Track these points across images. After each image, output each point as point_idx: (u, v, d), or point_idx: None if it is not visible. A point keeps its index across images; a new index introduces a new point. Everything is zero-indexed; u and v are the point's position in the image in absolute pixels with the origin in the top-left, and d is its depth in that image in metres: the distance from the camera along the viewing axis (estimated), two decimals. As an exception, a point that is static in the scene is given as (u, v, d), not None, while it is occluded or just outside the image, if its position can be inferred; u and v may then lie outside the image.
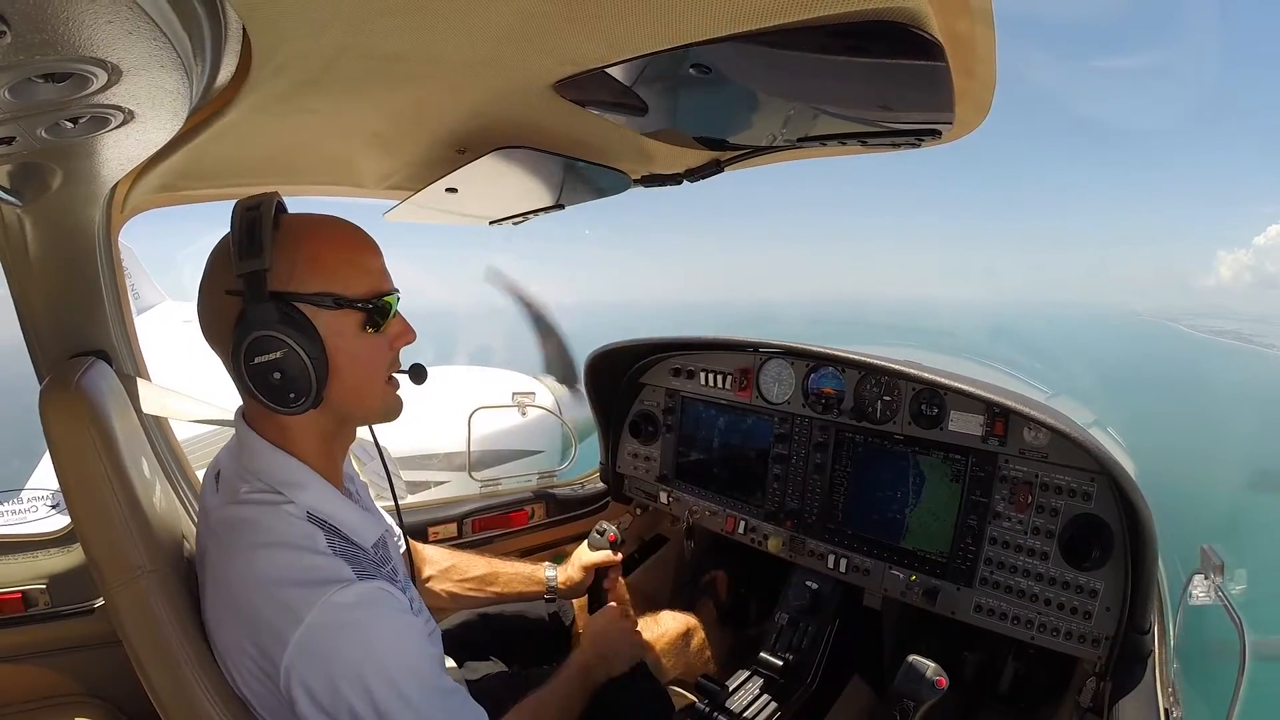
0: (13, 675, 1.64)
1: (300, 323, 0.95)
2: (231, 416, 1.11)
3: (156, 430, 1.62)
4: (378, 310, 1.02)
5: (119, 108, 0.66)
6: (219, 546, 1.02)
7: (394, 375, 1.11)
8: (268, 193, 0.97)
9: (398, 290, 1.06)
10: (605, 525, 1.83)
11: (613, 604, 1.67)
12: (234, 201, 0.97)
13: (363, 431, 1.20)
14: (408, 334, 1.09)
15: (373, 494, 1.36)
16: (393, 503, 1.42)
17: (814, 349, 2.00)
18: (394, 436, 4.21)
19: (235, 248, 0.93)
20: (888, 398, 1.88)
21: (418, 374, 1.15)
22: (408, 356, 1.14)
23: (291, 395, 0.96)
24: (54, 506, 1.73)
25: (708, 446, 2.28)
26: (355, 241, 1.03)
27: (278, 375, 0.94)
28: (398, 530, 1.37)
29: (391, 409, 1.11)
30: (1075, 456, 1.57)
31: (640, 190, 1.74)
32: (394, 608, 0.99)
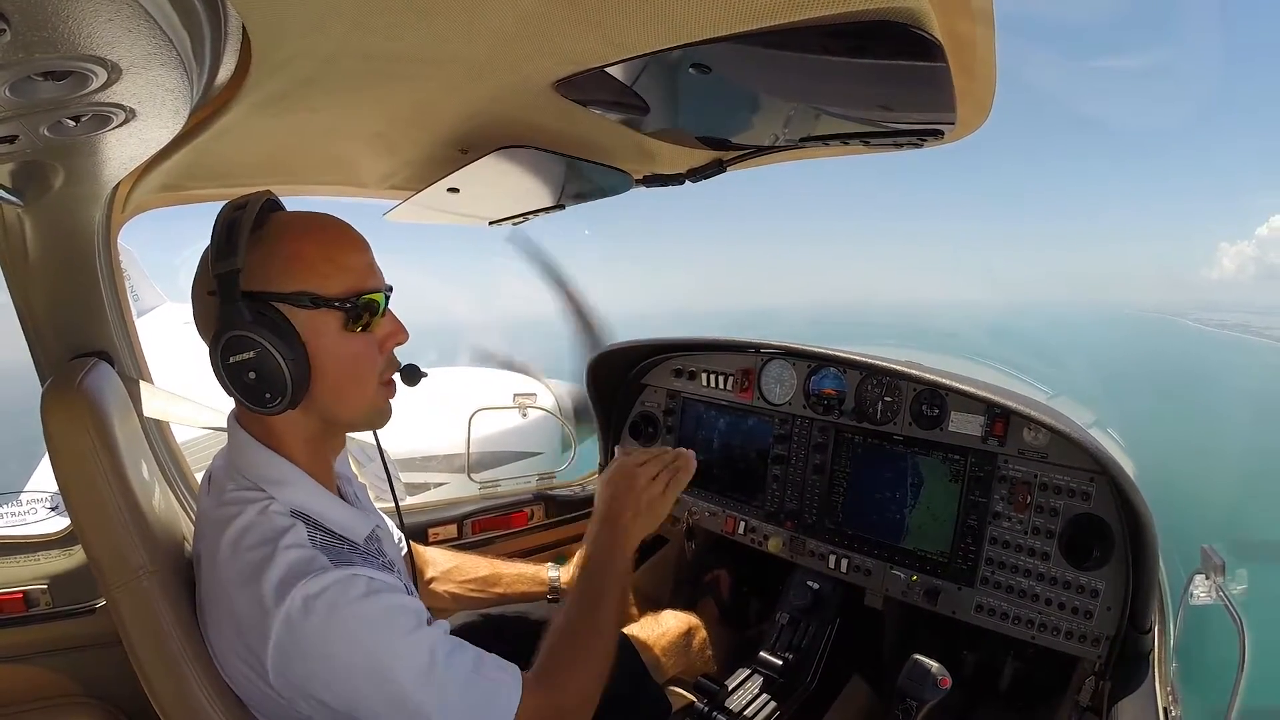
0: (13, 675, 1.63)
1: (276, 323, 0.94)
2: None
3: (156, 431, 1.62)
4: (359, 309, 0.99)
5: (120, 106, 0.66)
6: (207, 547, 1.02)
7: (390, 378, 1.08)
8: (259, 192, 0.96)
9: (388, 288, 1.04)
10: None
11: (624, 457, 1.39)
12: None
13: (365, 435, 1.19)
14: (399, 334, 1.06)
15: (372, 495, 1.36)
16: (393, 504, 1.42)
17: (815, 350, 2.00)
18: (394, 438, 4.21)
19: (212, 248, 0.94)
20: (889, 398, 1.88)
21: (411, 376, 1.12)
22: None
23: (267, 395, 0.95)
24: (53, 508, 1.73)
25: (708, 447, 2.28)
26: (338, 239, 1.01)
27: (252, 375, 0.94)
28: (398, 532, 1.37)
29: (378, 414, 1.08)
30: (1075, 456, 1.57)
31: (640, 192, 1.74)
32: (374, 590, 0.95)
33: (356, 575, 0.95)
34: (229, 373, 0.95)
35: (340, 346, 0.99)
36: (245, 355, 0.93)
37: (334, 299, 0.97)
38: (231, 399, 1.06)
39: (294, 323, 0.95)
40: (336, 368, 0.99)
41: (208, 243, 1.01)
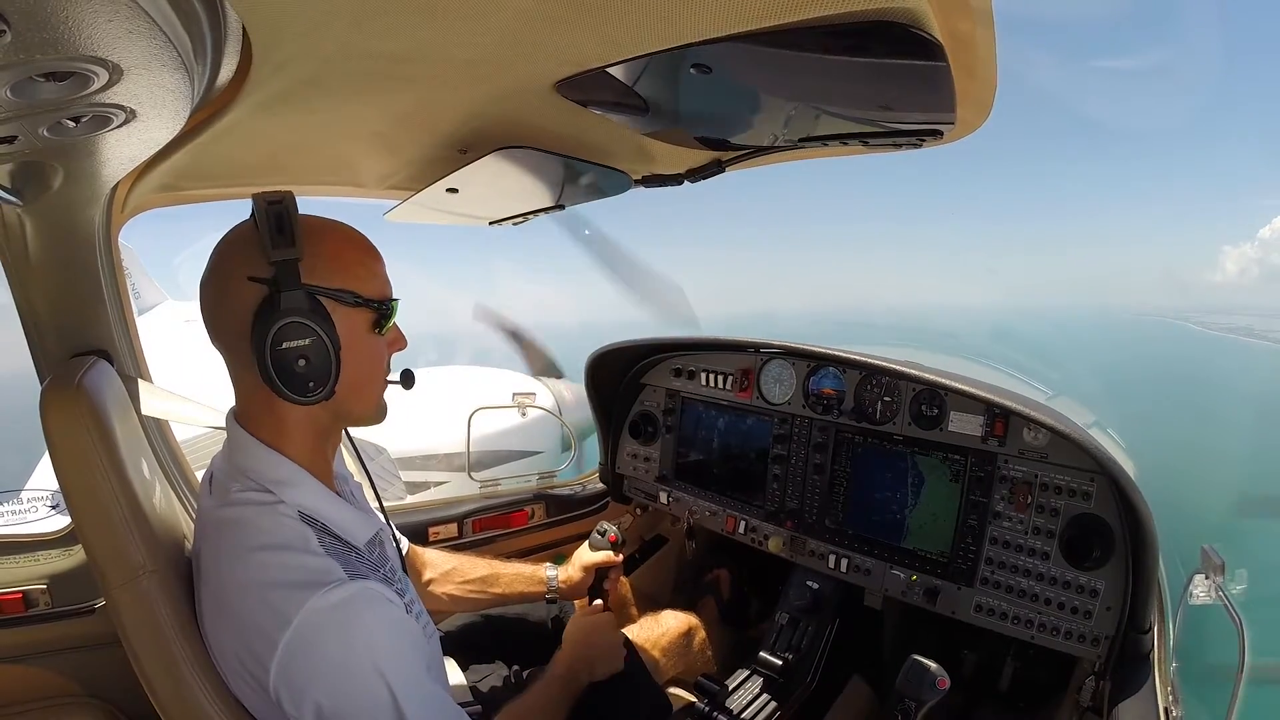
0: (13, 675, 1.63)
1: (325, 314, 0.97)
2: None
3: (156, 430, 1.62)
4: (386, 313, 1.05)
5: (120, 107, 0.66)
6: (211, 548, 1.02)
7: (386, 380, 1.13)
8: (284, 190, 0.97)
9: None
10: (606, 526, 1.83)
11: (595, 605, 1.67)
12: (234, 201, 0.97)
13: (358, 432, 1.20)
14: (401, 340, 1.13)
15: (370, 497, 1.36)
16: (379, 504, 1.42)
17: (815, 349, 2.00)
18: (395, 437, 4.22)
19: (267, 236, 0.93)
20: (888, 398, 1.88)
21: (407, 379, 1.17)
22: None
23: (311, 384, 0.97)
24: (54, 507, 1.73)
25: (707, 447, 2.28)
26: (368, 246, 1.07)
27: (302, 362, 0.95)
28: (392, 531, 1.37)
29: (382, 411, 1.14)
30: (1075, 456, 1.57)
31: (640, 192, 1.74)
32: (385, 608, 0.98)
33: (372, 589, 0.97)
34: (276, 359, 0.95)
35: (365, 344, 1.05)
36: (299, 342, 0.95)
37: (371, 300, 1.04)
38: (240, 393, 1.07)
39: (333, 317, 0.99)
40: (359, 364, 1.04)
41: (229, 232, 1.02)
